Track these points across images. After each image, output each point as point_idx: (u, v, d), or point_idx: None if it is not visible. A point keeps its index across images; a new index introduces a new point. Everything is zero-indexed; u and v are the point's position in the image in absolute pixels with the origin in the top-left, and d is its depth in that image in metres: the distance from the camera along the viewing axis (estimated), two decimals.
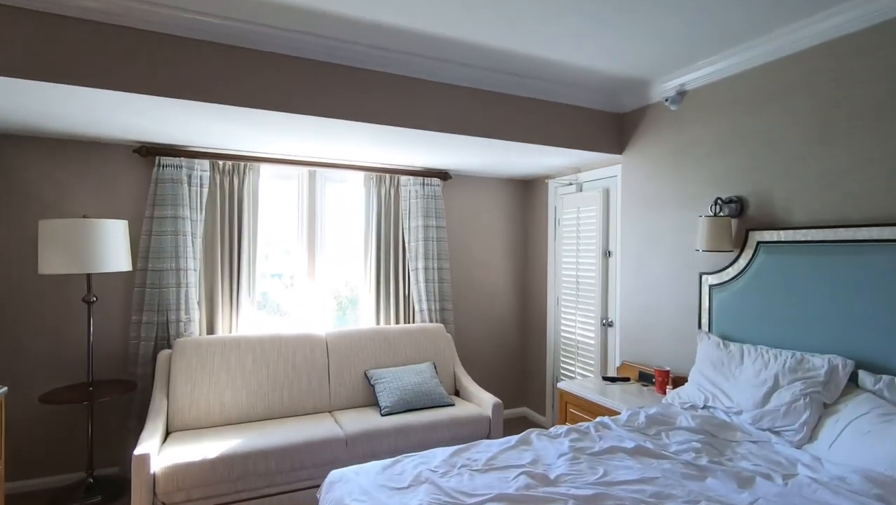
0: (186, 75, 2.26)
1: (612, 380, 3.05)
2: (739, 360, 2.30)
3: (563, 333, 3.96)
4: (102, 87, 2.12)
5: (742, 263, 2.48)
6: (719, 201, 2.60)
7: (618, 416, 2.28)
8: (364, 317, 3.82)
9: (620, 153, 3.36)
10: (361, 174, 3.84)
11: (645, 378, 3.01)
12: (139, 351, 3.09)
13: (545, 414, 4.23)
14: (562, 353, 3.98)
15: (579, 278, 3.77)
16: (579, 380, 3.11)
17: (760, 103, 2.50)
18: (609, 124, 3.33)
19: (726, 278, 2.55)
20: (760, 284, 2.39)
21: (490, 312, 4.39)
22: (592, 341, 3.63)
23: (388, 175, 3.84)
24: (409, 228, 3.87)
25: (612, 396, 2.72)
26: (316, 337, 3.33)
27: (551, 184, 4.16)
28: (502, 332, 4.44)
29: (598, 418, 2.24)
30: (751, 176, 2.53)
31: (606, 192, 3.57)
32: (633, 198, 3.26)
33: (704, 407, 2.30)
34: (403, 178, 3.87)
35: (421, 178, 3.90)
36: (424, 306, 3.86)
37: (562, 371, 3.98)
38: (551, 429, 2.15)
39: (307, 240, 3.70)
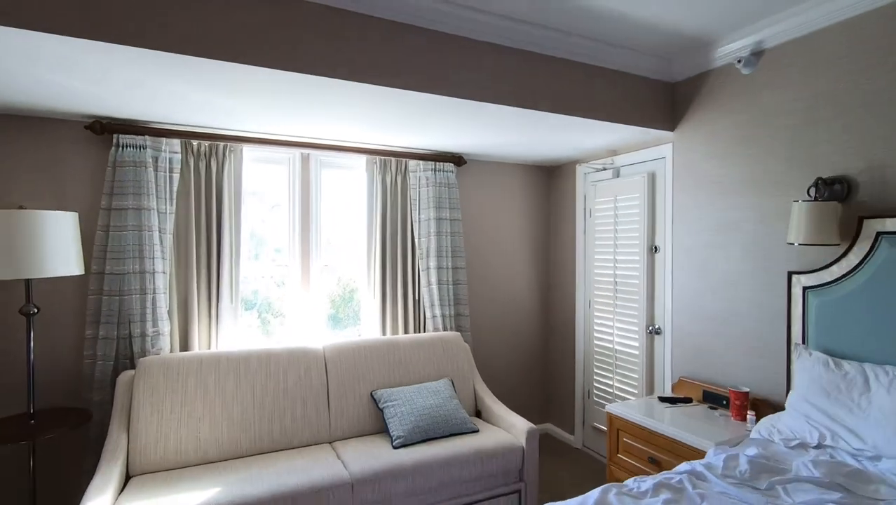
0: (146, 17, 1.69)
1: (672, 401, 2.54)
2: (864, 385, 1.78)
3: (596, 342, 3.44)
4: (23, 27, 1.55)
5: (853, 259, 1.96)
6: (820, 182, 2.08)
7: (709, 460, 1.76)
8: (368, 325, 3.28)
9: (672, 130, 2.83)
10: (363, 158, 3.28)
11: (711, 399, 2.50)
12: (94, 373, 2.51)
13: (573, 432, 3.71)
14: (595, 363, 3.46)
15: (618, 278, 3.25)
16: (632, 402, 2.59)
17: (875, 57, 1.98)
18: (659, 95, 2.81)
19: (829, 279, 2.04)
20: (881, 286, 1.88)
21: (509, 316, 3.86)
22: (636, 352, 3.12)
23: (393, 159, 3.29)
24: (419, 221, 3.32)
25: (681, 425, 2.20)
26: (312, 352, 2.77)
27: (581, 170, 3.63)
28: (523, 338, 3.92)
29: (687, 465, 1.72)
30: (861, 150, 2.02)
31: (651, 178, 3.05)
32: (689, 183, 2.74)
33: (819, 446, 1.78)
34: (412, 163, 3.32)
35: (432, 162, 3.35)
36: (437, 312, 3.32)
37: (595, 385, 3.46)
38: (629, 483, 1.63)
39: (300, 236, 3.14)
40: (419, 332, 3.39)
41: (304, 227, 3.15)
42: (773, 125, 2.32)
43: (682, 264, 2.78)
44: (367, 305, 3.26)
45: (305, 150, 3.10)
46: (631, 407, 2.48)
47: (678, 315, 2.81)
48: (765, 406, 2.28)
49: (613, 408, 2.49)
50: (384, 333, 3.27)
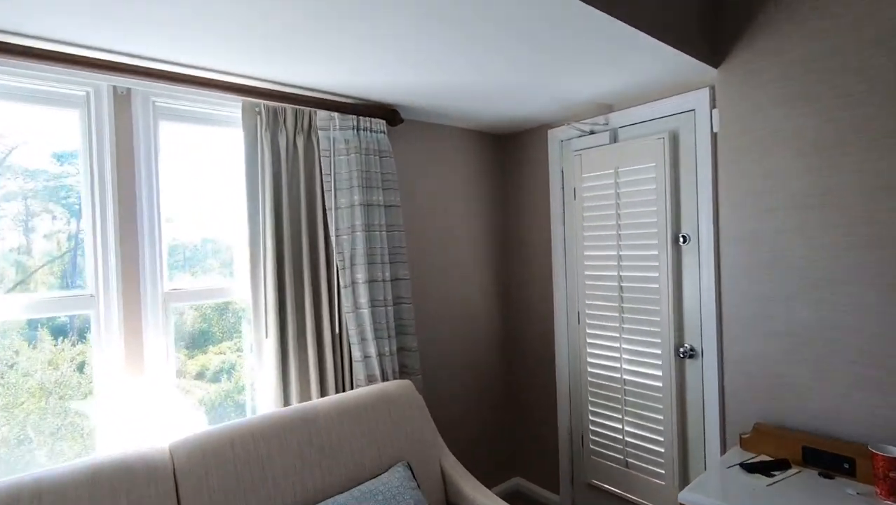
0: None
1: (764, 470, 1.65)
2: None
3: (593, 370, 2.50)
4: None
5: None
6: None
7: None
8: (260, 389, 1.96)
9: (716, 64, 1.96)
10: (238, 102, 1.96)
11: (820, 460, 1.66)
12: None
13: (558, 490, 2.74)
14: (590, 400, 2.52)
15: (624, 282, 2.33)
16: (702, 479, 1.65)
17: None
18: (696, 6, 1.91)
19: None
20: None
21: (465, 341, 2.78)
22: (657, 383, 2.22)
23: (290, 107, 2.02)
24: (337, 210, 2.09)
25: None
26: (145, 462, 1.42)
27: (555, 135, 2.67)
28: (483, 369, 2.86)
29: None
30: None
31: (673, 140, 2.17)
32: (747, 141, 1.89)
33: None
34: (321, 116, 2.07)
35: (353, 117, 2.13)
36: (372, 350, 2.12)
37: (593, 430, 2.52)
38: None
39: (116, 246, 1.74)
40: (345, 387, 2.15)
41: (127, 230, 1.75)
42: (893, 46, 1.53)
43: (734, 259, 1.93)
44: (257, 354, 1.94)
45: (121, 80, 1.70)
46: (707, 488, 1.54)
47: (730, 330, 1.95)
48: None
49: (693, 496, 1.53)
50: (286, 399, 1.98)
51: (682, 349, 2.16)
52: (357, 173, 2.10)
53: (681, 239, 2.16)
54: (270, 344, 1.92)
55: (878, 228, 1.58)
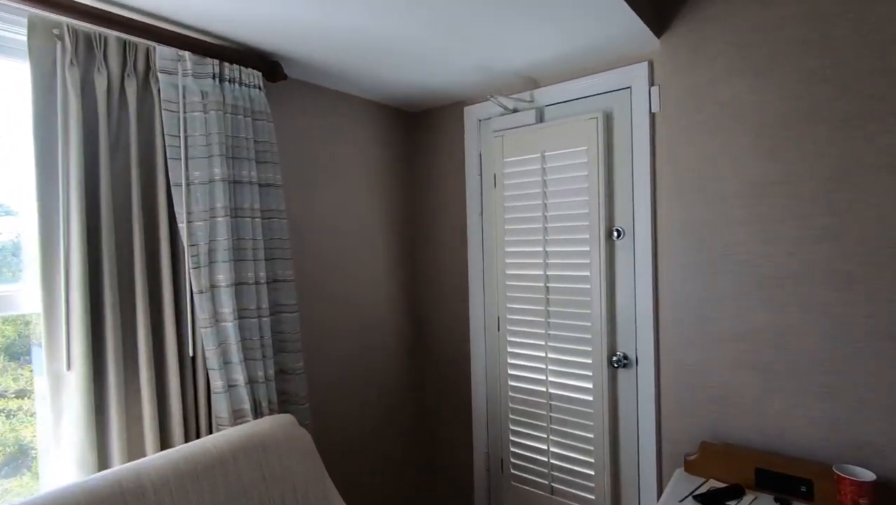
0: None
1: (717, 502, 1.42)
2: None
3: (514, 383, 2.18)
4: None
5: None
6: None
7: None
8: (57, 447, 1.32)
9: (658, 33, 1.72)
10: (22, 16, 1.31)
11: (775, 483, 1.46)
12: None
13: None
14: (511, 418, 2.20)
15: (551, 282, 2.04)
16: None
17: None
18: None
19: None
20: None
21: (367, 355, 2.31)
22: (588, 397, 1.95)
23: (114, 35, 1.40)
24: (190, 186, 1.51)
25: None
26: None
27: (472, 113, 2.31)
28: (388, 386, 2.41)
29: None
30: None
31: (606, 121, 1.91)
32: (693, 121, 1.67)
33: None
34: (165, 54, 1.48)
35: (214, 61, 1.57)
36: (240, 375, 1.58)
37: (514, 452, 2.20)
38: None
39: None
40: (199, 431, 1.58)
41: None
42: (858, 14, 1.37)
43: (675, 256, 1.71)
44: (53, 394, 1.30)
45: None
46: None
47: (669, 335, 1.73)
48: (875, 491, 1.32)
49: None
50: (104, 460, 1.37)
51: (615, 358, 1.91)
52: (219, 138, 1.54)
53: (614, 233, 1.91)
54: (75, 379, 1.30)
55: (837, 220, 1.41)
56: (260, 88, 1.69)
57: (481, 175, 2.31)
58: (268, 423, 1.51)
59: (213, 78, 1.56)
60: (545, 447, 2.08)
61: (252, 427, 1.47)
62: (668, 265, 1.73)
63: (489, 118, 2.25)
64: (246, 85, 1.65)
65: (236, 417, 1.58)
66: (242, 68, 1.64)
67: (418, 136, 2.55)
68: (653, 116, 1.80)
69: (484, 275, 2.31)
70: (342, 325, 2.18)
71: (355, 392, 2.23)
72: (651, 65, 1.80)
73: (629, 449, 1.90)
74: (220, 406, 1.55)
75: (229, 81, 1.60)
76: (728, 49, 1.58)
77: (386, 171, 2.42)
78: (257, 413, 1.64)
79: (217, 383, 1.54)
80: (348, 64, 1.85)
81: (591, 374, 1.95)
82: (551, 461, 2.07)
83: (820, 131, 1.43)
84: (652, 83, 1.80)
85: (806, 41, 1.44)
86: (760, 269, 1.53)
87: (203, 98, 1.54)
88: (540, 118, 2.10)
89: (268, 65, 1.73)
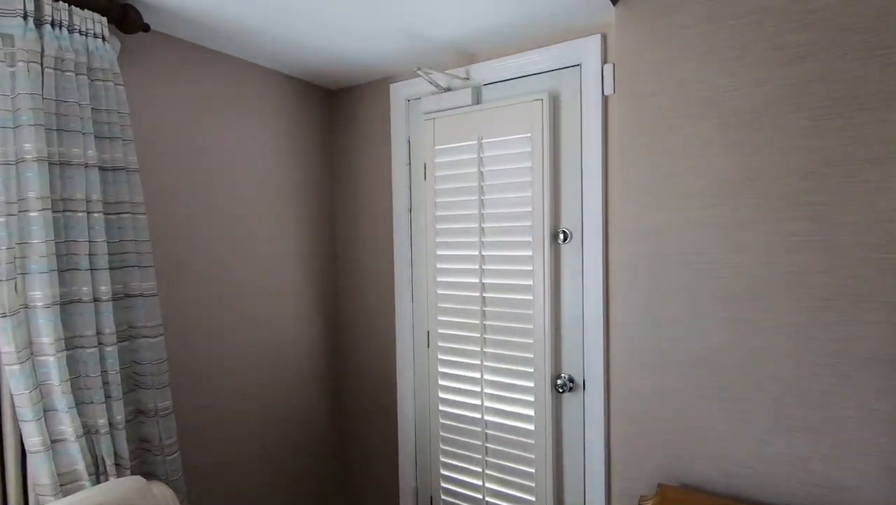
0: None
1: None
2: None
3: (445, 409, 1.87)
4: None
5: None
6: None
7: None
8: None
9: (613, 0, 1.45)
10: None
11: None
12: None
13: None
14: (442, 447, 1.89)
15: (489, 291, 1.74)
16: None
17: None
18: None
19: None
20: None
21: (269, 382, 1.92)
22: (529, 426, 1.68)
23: None
24: None
25: None
26: None
27: (398, 92, 1.96)
28: (297, 420, 2.03)
29: None
30: None
31: (553, 103, 1.63)
32: (653, 106, 1.41)
33: None
34: None
35: None
36: (67, 426, 1.16)
37: (445, 487, 1.89)
38: None
39: None
40: None
41: None
42: None
43: (628, 263, 1.45)
44: None
45: None
46: None
47: (621, 357, 1.48)
48: None
49: None
50: None
51: (559, 381, 1.64)
52: (33, 101, 1.11)
53: (560, 236, 1.63)
54: None
55: (812, 226, 1.20)
56: (104, 39, 1.26)
57: (410, 164, 1.97)
58: (107, 491, 1.10)
59: (25, 18, 1.12)
60: (480, 483, 1.79)
61: (82, 501, 1.07)
62: (621, 274, 1.47)
63: (419, 98, 1.92)
64: (82, 33, 1.22)
65: (64, 483, 1.17)
66: (76, 9, 1.21)
67: (339, 118, 2.17)
68: (605, 100, 1.54)
69: (413, 282, 1.98)
70: (236, 347, 1.78)
71: (253, 430, 1.84)
72: (604, 39, 1.53)
73: (575, 487, 1.64)
74: (40, 469, 1.13)
75: (54, 25, 1.17)
76: (695, 22, 1.33)
77: (299, 158, 2.03)
78: (99, 473, 1.23)
79: (33, 440, 1.12)
80: (244, 18, 1.45)
81: (532, 399, 1.67)
82: (486, 498, 1.78)
83: (795, 122, 1.20)
84: (605, 60, 1.54)
85: (783, 13, 1.21)
86: (725, 280, 1.30)
87: (8, 47, 1.10)
88: (477, 99, 1.78)
89: (116, 7, 1.30)
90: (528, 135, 1.63)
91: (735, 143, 1.28)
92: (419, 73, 1.71)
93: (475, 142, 1.74)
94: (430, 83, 1.80)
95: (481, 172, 1.73)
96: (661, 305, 1.39)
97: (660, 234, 1.39)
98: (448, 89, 1.84)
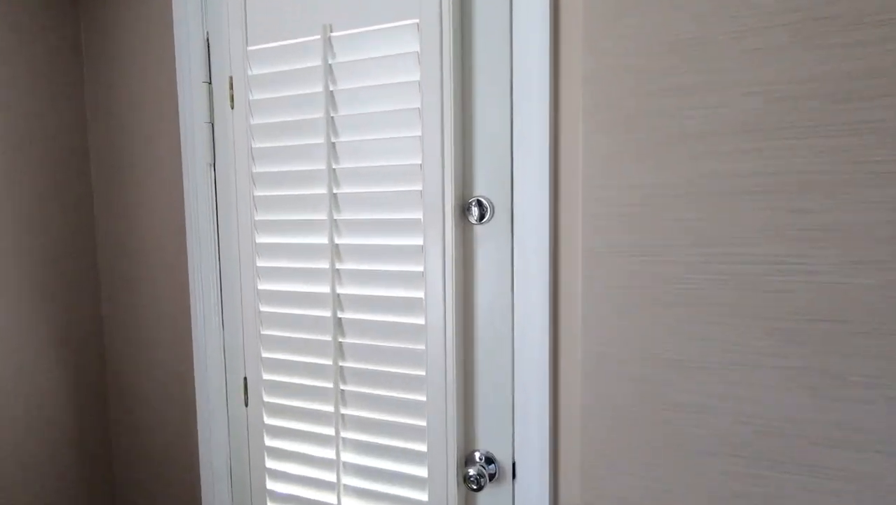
0: None
1: None
2: None
3: (273, 502, 1.08)
4: None
5: None
6: None
7: None
8: None
9: None
10: None
11: None
12: None
13: None
14: None
15: (347, 309, 0.97)
16: None
17: None
18: None
19: None
20: None
21: None
22: None
23: None
24: None
25: None
26: None
27: None
28: None
29: None
30: None
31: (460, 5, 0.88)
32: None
33: None
34: None
35: None
36: None
37: None
38: None
39: None
40: None
41: None
42: None
43: (597, 260, 0.77)
44: None
45: None
46: None
47: (580, 424, 0.81)
48: None
49: None
50: None
51: (472, 468, 0.93)
52: None
53: (473, 210, 0.91)
54: None
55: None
56: None
57: (211, 82, 1.11)
58: None
59: None
60: None
61: None
62: (590, 280, 0.79)
63: None
64: None
65: None
66: None
67: (89, 21, 1.23)
68: None
69: (221, 297, 1.14)
70: None
71: None
72: None
73: None
74: None
75: None
76: None
77: (24, 81, 1.06)
78: None
79: None
80: None
81: (425, 499, 0.95)
82: None
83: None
84: None
85: None
86: (793, 294, 0.68)
87: None
88: None
89: None
90: (416, 20, 0.88)
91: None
92: None
93: (319, 36, 0.94)
94: None
95: (331, 94, 0.94)
96: (676, 340, 0.73)
97: (655, 208, 0.73)
98: None
